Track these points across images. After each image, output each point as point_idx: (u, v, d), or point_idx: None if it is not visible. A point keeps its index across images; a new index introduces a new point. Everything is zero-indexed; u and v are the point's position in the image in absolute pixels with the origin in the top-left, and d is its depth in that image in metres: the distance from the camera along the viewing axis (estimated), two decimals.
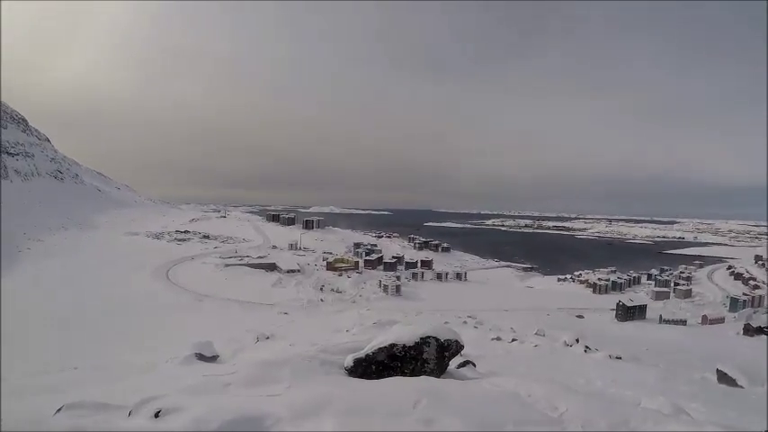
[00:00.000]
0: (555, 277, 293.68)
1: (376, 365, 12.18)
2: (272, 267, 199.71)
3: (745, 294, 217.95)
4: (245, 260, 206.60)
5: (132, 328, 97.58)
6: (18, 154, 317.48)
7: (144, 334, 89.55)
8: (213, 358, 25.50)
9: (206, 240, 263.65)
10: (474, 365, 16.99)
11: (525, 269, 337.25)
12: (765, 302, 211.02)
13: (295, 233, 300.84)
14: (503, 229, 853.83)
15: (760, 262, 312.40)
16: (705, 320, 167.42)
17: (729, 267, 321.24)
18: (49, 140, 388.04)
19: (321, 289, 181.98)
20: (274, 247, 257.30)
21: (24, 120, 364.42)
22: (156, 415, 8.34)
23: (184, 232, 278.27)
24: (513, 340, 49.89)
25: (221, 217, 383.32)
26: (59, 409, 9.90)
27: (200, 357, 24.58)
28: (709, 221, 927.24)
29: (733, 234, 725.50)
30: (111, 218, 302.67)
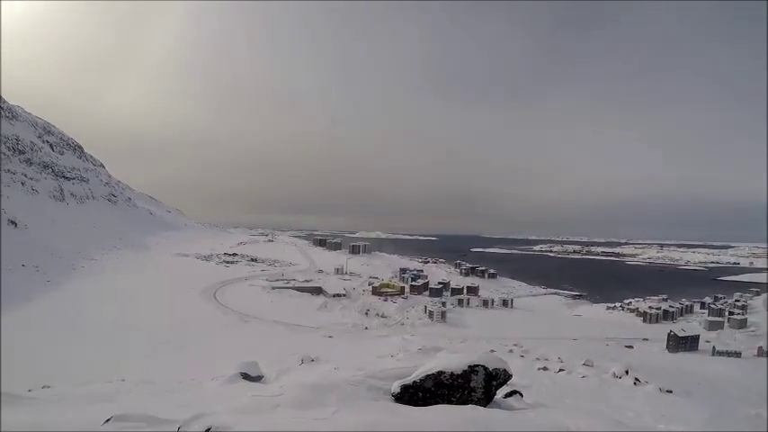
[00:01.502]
0: (604, 305, 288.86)
1: (423, 392, 12.08)
2: (318, 291, 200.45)
3: None
4: (292, 283, 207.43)
5: (179, 345, 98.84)
6: (74, 178, 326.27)
7: (190, 351, 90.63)
8: (258, 378, 25.64)
9: (253, 263, 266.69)
10: (521, 395, 16.76)
11: (573, 297, 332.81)
12: None
13: (341, 258, 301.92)
14: (550, 254, 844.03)
15: None
16: (761, 352, 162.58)
17: None
18: (103, 166, 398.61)
19: (366, 313, 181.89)
20: (320, 271, 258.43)
21: (80, 147, 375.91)
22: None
23: (233, 255, 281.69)
24: (561, 370, 49.29)
25: (269, 241, 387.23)
26: (108, 420, 10.03)
27: (245, 377, 24.75)
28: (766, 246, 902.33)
29: None
30: (161, 239, 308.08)
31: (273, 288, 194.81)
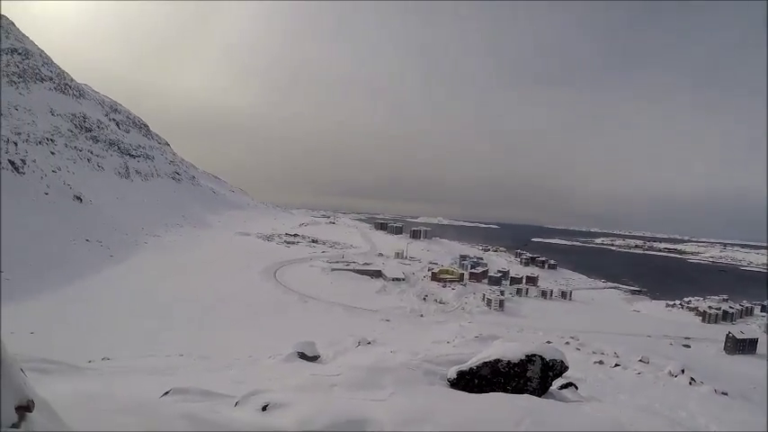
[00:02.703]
0: (663, 302, 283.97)
1: (479, 379, 12.17)
2: (377, 274, 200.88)
3: None
4: (352, 266, 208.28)
5: (238, 323, 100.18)
6: (140, 156, 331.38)
7: (249, 329, 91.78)
8: (314, 358, 25.91)
9: (314, 244, 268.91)
10: (576, 388, 16.75)
11: (633, 292, 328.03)
12: None
13: (402, 242, 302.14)
14: (612, 248, 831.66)
15: None
16: None
17: None
18: (168, 144, 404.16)
19: (424, 299, 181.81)
20: (380, 254, 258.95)
21: (146, 125, 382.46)
22: (264, 408, 8.60)
23: (294, 235, 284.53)
24: (616, 365, 48.95)
25: (330, 223, 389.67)
26: (167, 393, 10.30)
27: (302, 356, 25.02)
28: None
29: None
30: (224, 218, 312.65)
31: (333, 270, 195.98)
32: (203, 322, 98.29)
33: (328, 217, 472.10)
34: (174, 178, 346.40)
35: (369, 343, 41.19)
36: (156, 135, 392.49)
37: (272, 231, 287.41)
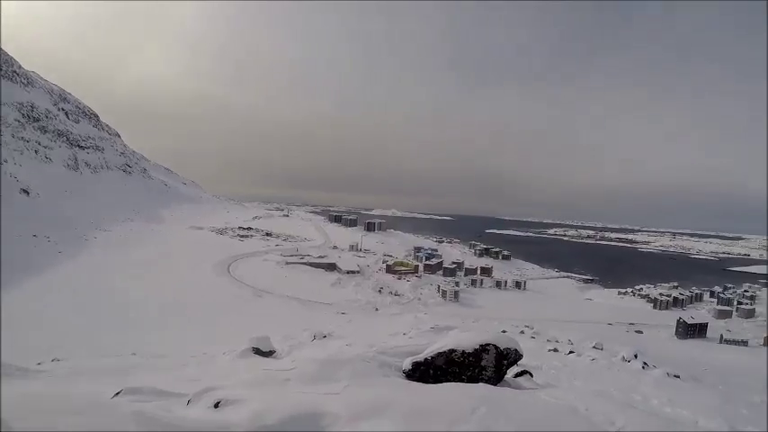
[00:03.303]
0: (615, 290, 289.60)
1: (434, 370, 12.18)
2: (332, 267, 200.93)
3: None
4: (306, 259, 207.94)
5: (191, 319, 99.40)
6: (89, 147, 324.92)
7: (203, 326, 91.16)
8: (270, 353, 25.72)
9: (268, 238, 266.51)
10: (531, 375, 16.87)
11: (585, 281, 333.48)
12: None
13: (356, 235, 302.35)
14: (565, 239, 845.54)
15: None
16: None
17: None
18: (119, 135, 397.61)
19: (380, 291, 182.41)
20: (335, 247, 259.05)
21: (96, 115, 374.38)
22: (216, 405, 8.47)
23: (247, 229, 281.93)
24: (571, 352, 49.51)
25: (284, 216, 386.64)
26: (118, 393, 10.11)
27: (257, 352, 24.82)
28: None
29: None
30: (176, 212, 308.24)
31: (287, 263, 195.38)
32: (156, 320, 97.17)
33: (282, 210, 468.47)
34: (124, 171, 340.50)
35: (324, 336, 41.08)
36: (107, 125, 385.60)
37: (226, 225, 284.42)
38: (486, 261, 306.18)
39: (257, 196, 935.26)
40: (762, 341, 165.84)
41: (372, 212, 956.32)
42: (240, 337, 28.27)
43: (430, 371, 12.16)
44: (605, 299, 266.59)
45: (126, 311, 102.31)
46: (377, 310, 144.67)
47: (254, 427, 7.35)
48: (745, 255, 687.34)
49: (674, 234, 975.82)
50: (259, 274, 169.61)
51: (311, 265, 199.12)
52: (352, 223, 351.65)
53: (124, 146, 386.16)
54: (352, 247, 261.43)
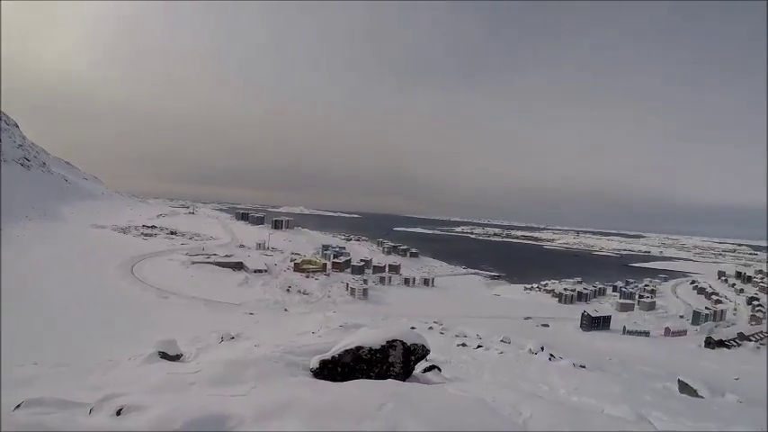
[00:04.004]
0: (522, 286, 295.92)
1: (342, 367, 12.18)
2: (239, 266, 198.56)
3: (707, 309, 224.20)
4: (212, 258, 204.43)
5: (95, 324, 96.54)
6: None
7: (107, 330, 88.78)
8: (177, 357, 25.26)
9: (173, 236, 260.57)
10: (440, 370, 17.03)
11: (492, 277, 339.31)
12: (727, 317, 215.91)
13: (263, 233, 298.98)
14: (472, 236, 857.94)
15: (723, 278, 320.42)
16: (668, 333, 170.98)
17: (693, 282, 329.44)
18: (17, 126, 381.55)
19: (288, 290, 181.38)
20: (242, 246, 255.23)
21: None
22: (118, 413, 8.23)
23: (151, 227, 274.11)
24: (479, 347, 50.06)
25: (189, 213, 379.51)
26: (19, 405, 9.72)
27: (164, 356, 24.34)
28: (675, 237, 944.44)
29: (698, 250, 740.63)
30: (76, 209, 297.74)
31: (193, 263, 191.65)
32: (58, 325, 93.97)
33: (188, 207, 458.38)
34: (22, 164, 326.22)
35: (232, 338, 40.65)
36: (5, 115, 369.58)
37: (129, 223, 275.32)
38: (394, 258, 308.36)
39: (162, 193, 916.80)
40: (662, 332, 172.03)
41: (280, 210, 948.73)
42: (146, 342, 27.67)
43: (338, 368, 12.16)
44: (512, 294, 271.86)
45: (24, 318, 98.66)
46: (286, 310, 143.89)
47: None
48: (645, 252, 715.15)
49: (578, 232, 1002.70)
50: (164, 275, 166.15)
51: (218, 264, 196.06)
52: (260, 221, 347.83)
53: (23, 138, 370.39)
54: (259, 246, 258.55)
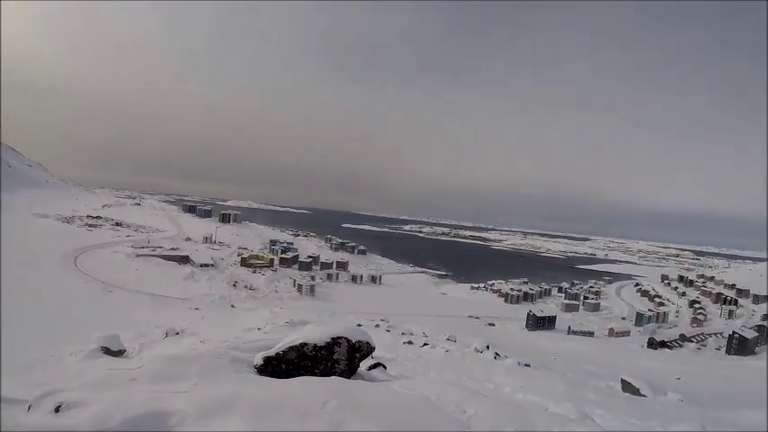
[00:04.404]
0: (468, 285, 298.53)
1: (286, 364, 12.13)
2: (184, 260, 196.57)
3: (650, 310, 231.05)
4: (158, 251, 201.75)
5: (36, 317, 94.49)
6: None
7: (48, 324, 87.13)
8: (120, 353, 24.94)
9: (118, 228, 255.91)
10: (385, 368, 17.07)
11: (440, 276, 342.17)
12: (669, 319, 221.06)
13: (211, 226, 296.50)
14: (420, 235, 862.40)
15: (666, 281, 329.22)
16: (612, 333, 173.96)
17: (637, 284, 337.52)
18: None
19: (234, 285, 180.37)
20: (188, 239, 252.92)
21: None
22: (57, 410, 8.08)
23: (96, 218, 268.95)
24: (425, 345, 50.28)
25: (136, 204, 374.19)
26: None
27: (107, 351, 24.00)
28: (621, 240, 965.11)
29: (642, 254, 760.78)
30: (20, 197, 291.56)
31: (138, 255, 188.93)
32: None
33: (134, 198, 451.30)
34: None
35: (177, 333, 40.26)
36: None
37: (73, 213, 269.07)
38: (342, 255, 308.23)
39: (107, 182, 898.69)
40: (606, 332, 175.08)
41: (228, 203, 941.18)
42: (89, 337, 27.24)
43: (282, 365, 12.11)
44: (459, 293, 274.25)
45: None
46: (233, 306, 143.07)
47: (97, 429, 7.07)
48: (590, 254, 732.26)
49: (525, 234, 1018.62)
50: (108, 268, 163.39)
51: (163, 257, 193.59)
52: (207, 214, 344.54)
53: None
54: (206, 239, 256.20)
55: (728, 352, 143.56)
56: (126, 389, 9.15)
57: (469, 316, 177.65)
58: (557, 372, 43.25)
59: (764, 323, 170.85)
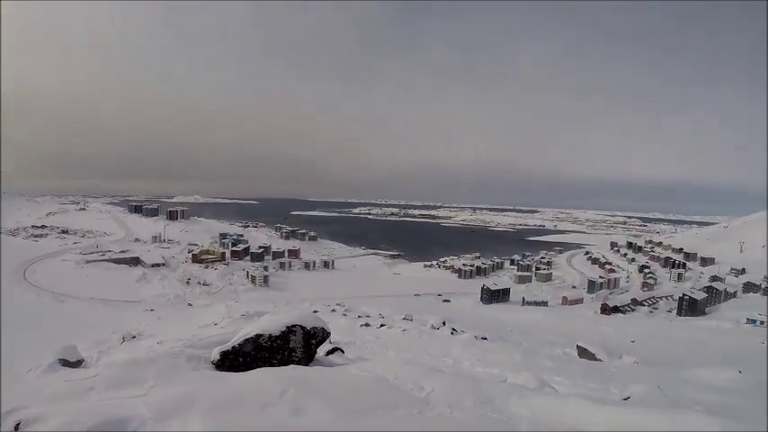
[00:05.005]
0: (421, 264, 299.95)
1: (243, 357, 12.20)
2: (135, 262, 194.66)
3: (601, 277, 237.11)
4: (107, 255, 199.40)
5: None
6: None
7: (3, 343, 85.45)
8: (78, 363, 24.60)
9: (65, 236, 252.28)
10: (342, 352, 17.29)
11: (392, 256, 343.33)
12: (620, 284, 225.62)
13: (159, 225, 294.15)
14: (369, 217, 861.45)
15: (615, 248, 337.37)
16: (565, 301, 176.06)
17: (587, 253, 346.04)
18: None
19: (188, 282, 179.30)
20: (137, 240, 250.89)
21: None
22: (16, 428, 8.08)
23: (41, 227, 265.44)
24: (382, 326, 50.65)
25: (81, 209, 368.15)
26: None
27: (65, 363, 23.66)
28: (569, 211, 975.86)
29: (590, 223, 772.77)
30: None
31: (88, 262, 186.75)
32: None
33: (78, 203, 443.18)
34: None
35: (134, 337, 39.93)
36: None
37: (17, 224, 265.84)
38: (293, 243, 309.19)
39: (49, 189, 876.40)
40: (560, 301, 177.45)
41: (174, 200, 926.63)
42: (46, 350, 26.92)
43: (239, 359, 12.17)
44: (412, 272, 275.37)
45: None
46: (190, 305, 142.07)
47: None
48: (540, 226, 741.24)
49: (474, 209, 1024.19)
50: (59, 277, 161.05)
51: (113, 261, 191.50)
52: (154, 213, 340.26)
53: None
54: (155, 239, 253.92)
55: (679, 313, 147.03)
56: (84, 399, 9.17)
57: (416, 294, 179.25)
58: (513, 343, 43.92)
59: (713, 284, 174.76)
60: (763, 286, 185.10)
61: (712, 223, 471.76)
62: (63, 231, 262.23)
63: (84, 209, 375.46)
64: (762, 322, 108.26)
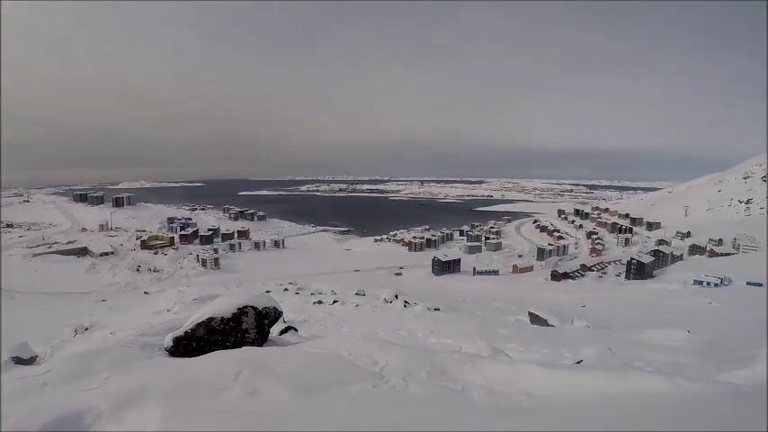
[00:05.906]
0: (372, 238, 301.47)
1: (196, 342, 12.18)
2: (83, 252, 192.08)
3: (550, 245, 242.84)
4: (54, 247, 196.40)
5: None
6: None
7: None
8: (32, 360, 24.26)
9: (9, 229, 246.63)
10: (296, 330, 17.32)
11: (342, 232, 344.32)
12: (569, 251, 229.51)
13: (105, 213, 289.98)
14: (317, 194, 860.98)
15: (563, 216, 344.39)
16: (515, 269, 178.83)
17: (535, 221, 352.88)
18: None
19: (138, 270, 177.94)
20: (84, 229, 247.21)
21: None
22: None
23: None
24: (335, 302, 50.89)
25: (24, 201, 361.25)
26: None
27: (18, 361, 23.39)
28: (515, 180, 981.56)
29: (537, 191, 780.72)
30: None
31: (35, 255, 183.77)
32: None
33: (21, 195, 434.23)
34: None
35: (87, 329, 39.40)
36: None
37: None
38: (242, 224, 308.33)
39: None
40: (510, 269, 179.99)
41: (119, 186, 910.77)
42: None
43: (192, 344, 12.15)
44: (363, 247, 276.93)
45: None
46: (147, 293, 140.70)
47: None
48: (488, 196, 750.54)
49: (422, 182, 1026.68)
50: (6, 273, 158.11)
51: (61, 252, 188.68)
52: (99, 200, 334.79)
53: None
54: (102, 227, 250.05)
55: (628, 277, 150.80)
56: (38, 396, 9.11)
57: (376, 268, 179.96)
58: (466, 312, 44.47)
59: (659, 248, 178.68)
60: (708, 248, 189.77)
61: (657, 189, 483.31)
62: (8, 225, 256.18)
63: (28, 201, 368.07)
64: (708, 283, 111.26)
